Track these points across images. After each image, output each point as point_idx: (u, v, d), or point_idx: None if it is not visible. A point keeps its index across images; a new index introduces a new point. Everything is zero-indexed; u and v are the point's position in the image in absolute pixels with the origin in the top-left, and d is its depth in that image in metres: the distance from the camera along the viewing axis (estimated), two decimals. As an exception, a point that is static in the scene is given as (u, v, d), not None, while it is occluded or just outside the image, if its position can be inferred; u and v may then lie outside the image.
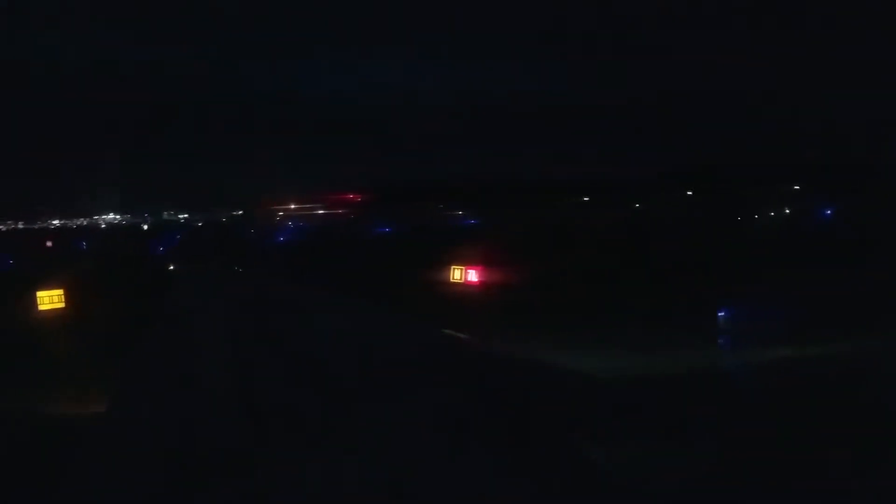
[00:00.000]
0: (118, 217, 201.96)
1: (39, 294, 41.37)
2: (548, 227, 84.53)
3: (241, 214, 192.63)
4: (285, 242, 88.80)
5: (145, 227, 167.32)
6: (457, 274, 43.69)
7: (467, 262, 44.34)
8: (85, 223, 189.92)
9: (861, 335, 24.39)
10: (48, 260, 78.49)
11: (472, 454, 4.18)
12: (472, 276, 42.86)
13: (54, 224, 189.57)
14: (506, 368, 6.58)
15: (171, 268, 43.21)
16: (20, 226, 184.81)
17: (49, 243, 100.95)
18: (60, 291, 43.31)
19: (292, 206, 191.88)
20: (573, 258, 52.02)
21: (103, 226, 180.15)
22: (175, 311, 11.47)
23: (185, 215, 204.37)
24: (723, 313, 28.20)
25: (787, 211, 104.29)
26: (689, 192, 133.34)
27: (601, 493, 3.67)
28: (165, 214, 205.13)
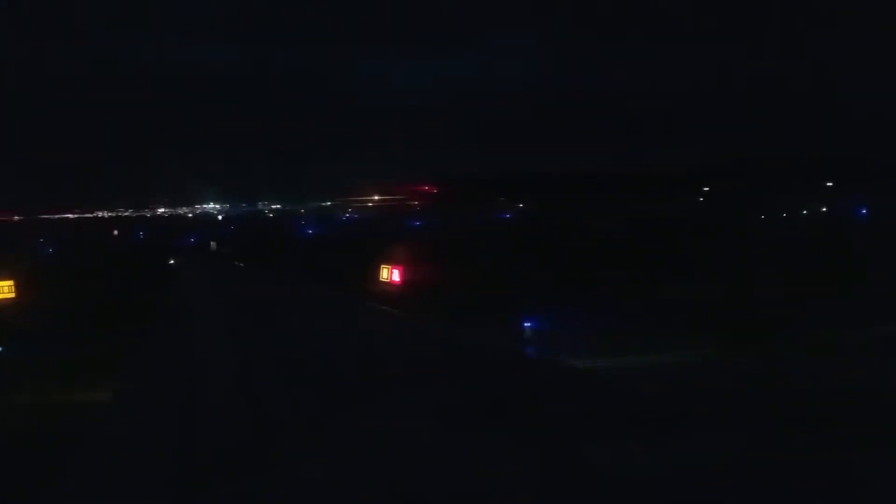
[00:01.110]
0: (217, 206, 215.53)
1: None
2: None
3: (325, 206, 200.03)
4: (317, 236, 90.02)
5: (220, 217, 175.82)
6: (384, 273, 44.36)
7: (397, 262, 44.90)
8: (187, 213, 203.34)
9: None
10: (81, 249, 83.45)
11: (474, 454, 4.21)
12: (395, 275, 43.33)
13: (159, 212, 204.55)
14: (508, 367, 6.65)
15: (172, 262, 43.75)
16: (126, 213, 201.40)
17: (115, 232, 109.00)
18: (11, 282, 46.19)
19: (375, 198, 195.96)
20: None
21: (190, 216, 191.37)
22: (175, 309, 11.87)
23: (278, 206, 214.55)
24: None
25: (823, 209, 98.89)
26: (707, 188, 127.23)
27: (604, 494, 3.61)
28: (260, 205, 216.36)
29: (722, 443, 3.96)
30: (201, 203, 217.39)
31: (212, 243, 72.37)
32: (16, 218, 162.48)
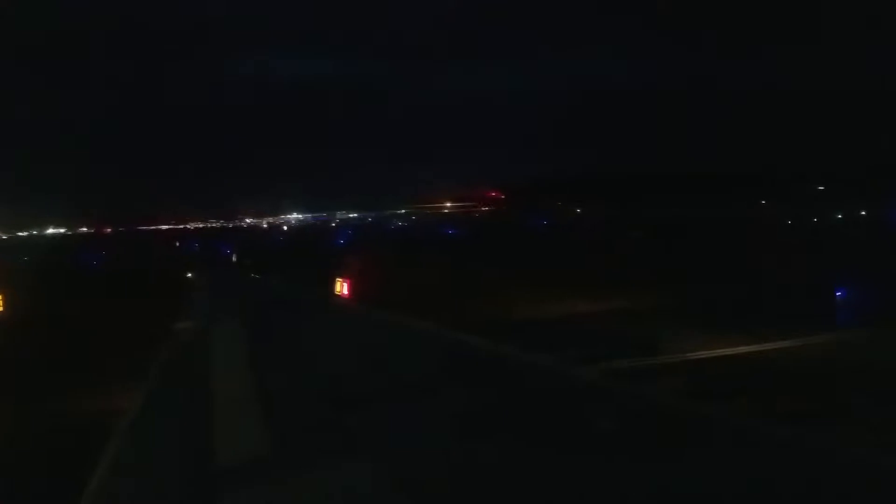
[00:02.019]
0: (300, 217, 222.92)
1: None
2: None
3: (400, 213, 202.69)
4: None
5: (285, 227, 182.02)
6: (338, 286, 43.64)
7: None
8: (266, 223, 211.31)
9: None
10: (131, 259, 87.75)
11: (485, 459, 4.51)
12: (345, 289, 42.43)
13: (245, 223, 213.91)
14: (519, 373, 7.00)
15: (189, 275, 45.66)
16: (215, 224, 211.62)
17: (177, 243, 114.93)
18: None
19: (447, 204, 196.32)
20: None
21: (265, 226, 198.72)
22: (194, 316, 12.06)
23: (355, 214, 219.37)
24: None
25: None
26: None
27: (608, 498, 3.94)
28: (339, 214, 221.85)
29: None
30: (285, 213, 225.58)
31: (233, 256, 75.41)
32: (107, 230, 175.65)
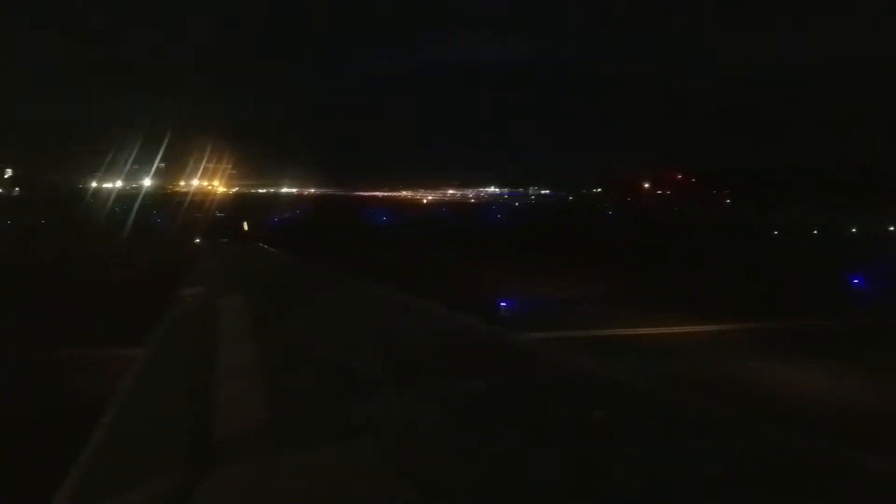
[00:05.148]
0: (497, 190, 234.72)
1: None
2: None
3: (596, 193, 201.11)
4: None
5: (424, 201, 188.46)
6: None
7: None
8: (458, 195, 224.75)
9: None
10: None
11: (490, 449, 4.35)
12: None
13: (449, 194, 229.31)
14: (530, 363, 6.71)
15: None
16: (420, 194, 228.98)
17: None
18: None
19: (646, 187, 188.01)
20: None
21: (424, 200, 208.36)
22: (194, 288, 11.96)
23: (546, 191, 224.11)
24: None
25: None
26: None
27: (612, 496, 3.76)
28: (531, 189, 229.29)
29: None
30: (484, 187, 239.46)
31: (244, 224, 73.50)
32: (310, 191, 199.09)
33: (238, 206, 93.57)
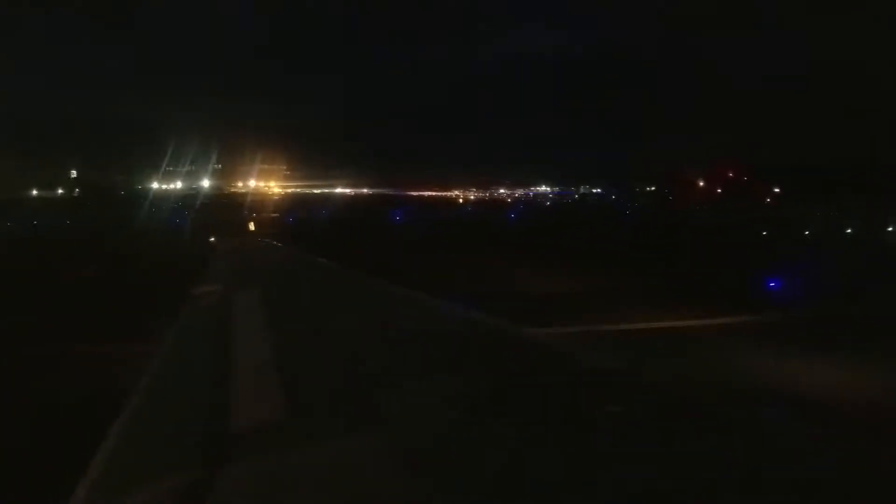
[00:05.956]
0: (549, 189, 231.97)
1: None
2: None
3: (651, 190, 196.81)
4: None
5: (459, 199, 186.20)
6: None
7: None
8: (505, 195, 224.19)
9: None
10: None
11: (494, 443, 4.31)
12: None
13: (499, 193, 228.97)
14: (534, 356, 6.56)
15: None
16: (470, 193, 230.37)
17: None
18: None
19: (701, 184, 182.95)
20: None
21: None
22: (214, 284, 11.76)
23: (598, 190, 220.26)
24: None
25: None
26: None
27: (614, 495, 3.67)
28: (582, 188, 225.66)
29: None
30: (535, 185, 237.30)
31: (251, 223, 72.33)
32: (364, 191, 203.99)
33: (290, 206, 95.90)
